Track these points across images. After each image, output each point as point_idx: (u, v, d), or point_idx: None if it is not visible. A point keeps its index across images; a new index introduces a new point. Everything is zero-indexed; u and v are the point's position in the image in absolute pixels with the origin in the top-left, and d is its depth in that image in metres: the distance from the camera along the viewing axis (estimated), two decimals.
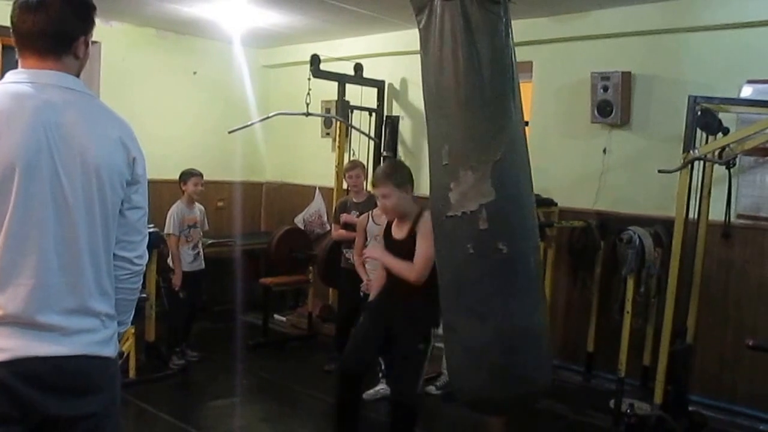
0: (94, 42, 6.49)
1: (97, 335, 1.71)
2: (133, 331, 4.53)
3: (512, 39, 2.71)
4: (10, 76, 1.71)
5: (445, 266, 2.65)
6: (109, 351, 1.76)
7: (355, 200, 5.02)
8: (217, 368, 5.19)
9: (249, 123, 5.61)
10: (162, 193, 6.20)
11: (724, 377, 4.48)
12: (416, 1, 2.67)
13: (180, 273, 5.06)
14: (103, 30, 5.85)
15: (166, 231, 5.06)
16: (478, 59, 2.51)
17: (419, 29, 2.60)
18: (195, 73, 6.76)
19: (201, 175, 5.25)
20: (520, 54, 5.12)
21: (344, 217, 4.95)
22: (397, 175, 3.52)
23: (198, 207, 5.33)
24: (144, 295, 4.68)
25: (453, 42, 2.49)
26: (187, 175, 5.21)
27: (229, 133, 5.40)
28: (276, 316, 6.45)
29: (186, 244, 5.16)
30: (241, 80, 6.64)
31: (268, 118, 5.54)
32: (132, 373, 4.59)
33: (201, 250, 5.30)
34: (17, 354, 1.58)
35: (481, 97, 2.52)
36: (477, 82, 2.51)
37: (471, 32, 2.48)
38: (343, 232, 4.93)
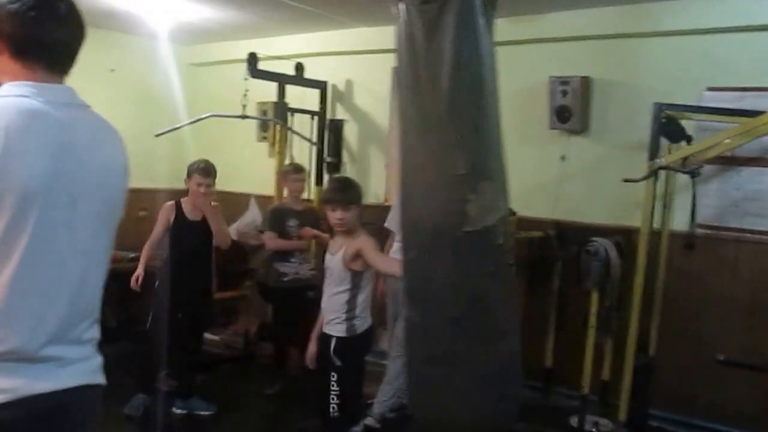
0: None
1: (93, 362, 1.69)
2: None
3: None
4: (12, 89, 1.58)
5: (455, 289, 2.48)
6: (103, 378, 1.74)
7: (294, 207, 4.85)
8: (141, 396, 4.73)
9: (178, 125, 5.35)
10: None
11: (682, 390, 4.55)
12: None
13: None
14: None
15: None
16: (491, 67, 2.43)
17: (422, 19, 2.38)
18: (112, 70, 6.38)
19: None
20: None
21: (307, 231, 4.77)
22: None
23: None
24: None
25: (474, 39, 2.34)
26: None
27: (156, 136, 5.14)
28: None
29: None
30: (166, 79, 6.27)
31: (199, 120, 5.29)
32: None
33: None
34: (20, 393, 1.51)
35: (493, 103, 2.47)
36: (492, 91, 2.44)
37: (487, 33, 2.37)
38: (282, 241, 4.77)
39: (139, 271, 4.48)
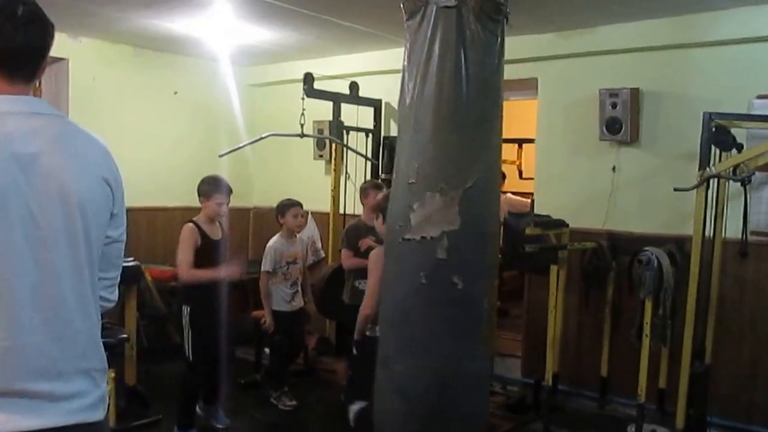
0: (60, 58, 6.38)
1: (89, 398, 1.61)
2: (113, 375, 4.24)
3: (503, 60, 2.71)
4: None
5: (390, 292, 2.58)
6: (101, 414, 1.66)
7: (370, 224, 4.87)
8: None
9: (240, 145, 5.77)
10: (139, 222, 6.27)
11: (740, 397, 4.72)
12: (409, 3, 2.63)
13: (269, 313, 5.10)
14: (70, 46, 5.79)
15: (262, 267, 5.12)
16: (466, 76, 2.48)
17: (407, 35, 2.55)
18: (176, 93, 6.87)
19: (300, 205, 5.25)
20: (525, 71, 5.55)
21: (365, 242, 4.87)
22: None
23: (300, 239, 5.36)
24: (125, 335, 4.53)
25: (442, 53, 2.45)
26: (284, 207, 5.24)
27: (220, 156, 5.54)
28: (267, 350, 6.48)
29: (283, 282, 5.17)
30: (226, 100, 6.75)
31: (261, 139, 5.70)
32: (112, 421, 4.27)
33: (300, 289, 5.27)
34: (2, 429, 1.46)
35: (464, 116, 2.50)
36: (461, 100, 2.49)
37: (464, 46, 2.47)
38: (357, 260, 4.84)
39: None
